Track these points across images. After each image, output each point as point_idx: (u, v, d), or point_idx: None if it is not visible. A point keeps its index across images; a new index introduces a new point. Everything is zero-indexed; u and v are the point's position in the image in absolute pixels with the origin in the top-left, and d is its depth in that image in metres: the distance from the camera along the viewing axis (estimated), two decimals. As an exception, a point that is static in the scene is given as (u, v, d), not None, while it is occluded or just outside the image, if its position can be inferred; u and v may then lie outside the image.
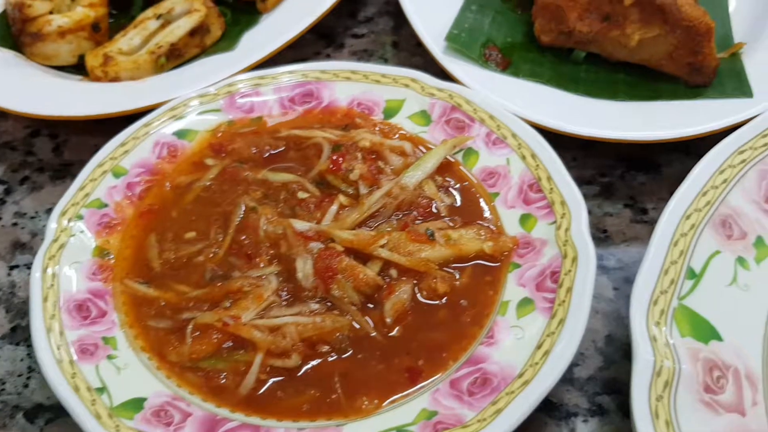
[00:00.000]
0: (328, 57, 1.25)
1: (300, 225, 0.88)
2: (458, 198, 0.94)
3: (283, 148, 1.00)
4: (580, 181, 1.03)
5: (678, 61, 1.04)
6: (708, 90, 1.03)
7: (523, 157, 0.94)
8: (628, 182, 1.03)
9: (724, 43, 1.10)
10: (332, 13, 1.21)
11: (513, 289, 0.84)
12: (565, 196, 0.88)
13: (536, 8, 1.10)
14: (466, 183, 0.95)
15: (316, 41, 1.27)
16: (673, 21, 1.02)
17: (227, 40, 1.21)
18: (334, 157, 0.94)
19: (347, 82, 1.06)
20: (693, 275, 0.81)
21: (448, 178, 0.95)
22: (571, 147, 1.01)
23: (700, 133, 0.96)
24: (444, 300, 0.84)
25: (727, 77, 1.04)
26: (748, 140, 0.91)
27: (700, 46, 1.02)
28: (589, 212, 0.99)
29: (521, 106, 1.00)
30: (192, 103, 1.04)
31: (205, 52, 1.20)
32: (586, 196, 1.01)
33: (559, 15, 1.08)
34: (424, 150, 0.98)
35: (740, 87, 1.02)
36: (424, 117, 1.02)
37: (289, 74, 1.07)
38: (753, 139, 0.91)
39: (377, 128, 1.00)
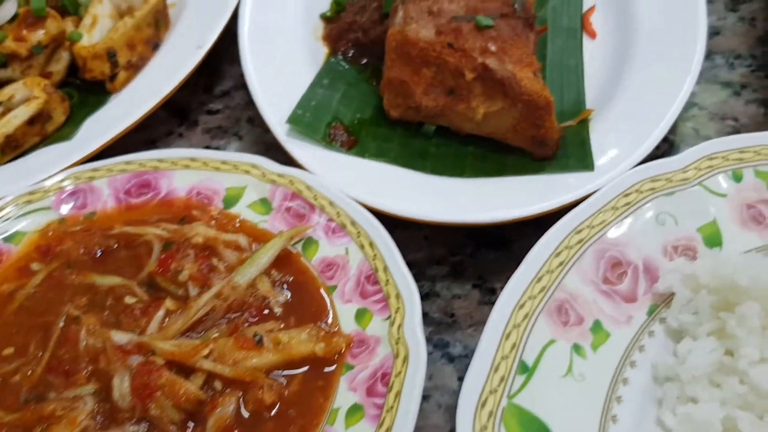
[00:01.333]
0: (180, 136, 1.21)
1: (119, 337, 0.83)
2: (293, 294, 0.90)
3: (114, 247, 0.95)
4: (431, 262, 1.01)
5: (522, 134, 1.03)
6: (552, 163, 1.02)
7: (362, 246, 0.91)
8: (478, 260, 1.01)
9: (577, 108, 1.10)
10: (186, 89, 1.17)
11: (344, 395, 0.80)
12: (401, 288, 0.85)
13: (383, 83, 1.08)
14: (304, 277, 0.91)
15: (169, 119, 1.23)
16: (513, 95, 1.00)
17: (70, 126, 1.15)
18: (163, 257, 0.90)
19: (186, 170, 1.02)
20: (525, 369, 0.79)
21: (285, 274, 0.91)
22: (423, 225, 0.99)
23: (540, 213, 0.94)
24: (272, 412, 0.80)
25: (573, 148, 1.03)
26: (585, 218, 0.89)
27: (541, 119, 1.01)
28: (438, 295, 0.97)
29: (365, 191, 0.97)
30: (19, 201, 0.99)
31: (45, 140, 1.15)
32: (435, 278, 0.99)
33: (406, 90, 1.06)
34: (262, 243, 0.94)
35: (583, 160, 1.01)
36: (265, 205, 0.98)
37: (125, 164, 1.03)
38: (590, 217, 0.90)
39: (214, 221, 0.96)
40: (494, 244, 1.02)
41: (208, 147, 1.19)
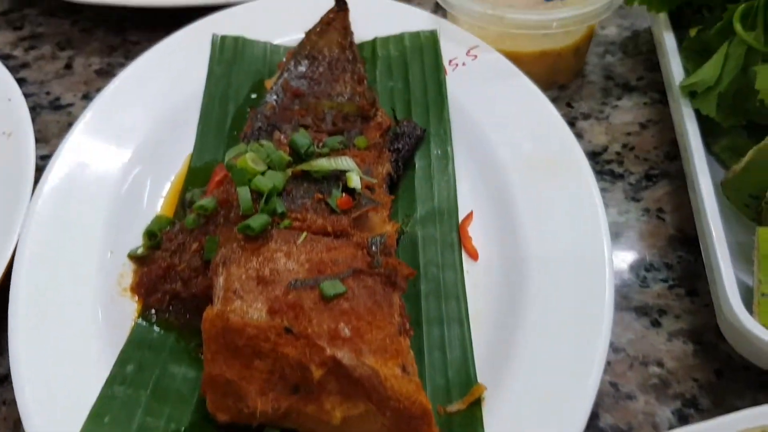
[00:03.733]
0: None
1: None
2: None
3: None
4: None
5: (396, 446, 0.76)
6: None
7: None
8: None
9: (465, 383, 0.84)
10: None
11: None
12: None
13: (204, 380, 0.79)
14: None
15: None
16: (378, 399, 0.74)
17: None
18: None
19: None
20: None
21: None
22: None
23: None
24: None
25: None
26: None
27: (417, 430, 0.74)
28: None
29: None
30: None
31: None
32: None
33: (235, 389, 0.77)
34: None
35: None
36: None
37: None
38: None
39: None
40: None
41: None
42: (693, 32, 1.13)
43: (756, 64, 0.99)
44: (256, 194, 0.89)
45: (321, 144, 1.03)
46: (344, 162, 0.97)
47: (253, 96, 1.20)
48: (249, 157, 0.92)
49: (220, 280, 0.81)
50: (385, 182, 1.02)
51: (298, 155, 0.97)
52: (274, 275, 0.80)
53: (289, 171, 0.94)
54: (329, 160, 0.97)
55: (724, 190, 0.98)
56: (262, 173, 0.92)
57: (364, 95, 1.13)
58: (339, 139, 1.04)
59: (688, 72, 1.12)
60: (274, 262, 0.82)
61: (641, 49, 1.34)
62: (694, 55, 1.14)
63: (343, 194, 0.91)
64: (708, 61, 1.04)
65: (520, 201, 1.00)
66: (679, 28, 1.21)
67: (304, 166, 0.95)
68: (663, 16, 1.19)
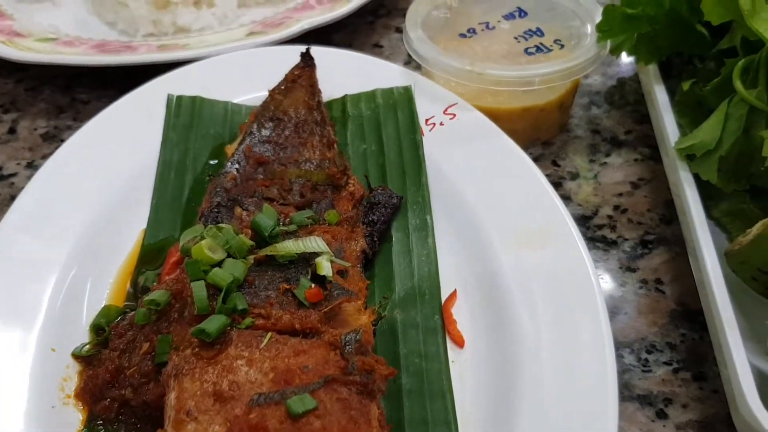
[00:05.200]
0: None
1: None
2: None
3: None
4: None
5: None
6: None
7: None
8: None
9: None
10: None
11: None
12: None
13: None
14: None
15: None
16: None
17: None
18: None
19: None
20: None
21: None
22: None
23: None
24: None
25: None
26: None
27: None
28: None
29: None
30: None
31: None
32: None
33: None
34: None
35: None
36: None
37: None
38: None
39: None
40: None
41: None
42: (686, 86, 1.05)
43: (759, 125, 0.91)
44: (214, 289, 0.79)
45: (287, 220, 0.94)
46: (313, 243, 0.87)
47: (213, 162, 1.10)
48: (205, 245, 0.82)
49: (172, 398, 0.71)
50: (360, 261, 0.92)
51: (262, 237, 0.87)
52: (233, 389, 0.70)
53: (251, 258, 0.84)
54: (297, 242, 0.87)
55: (729, 262, 0.90)
56: (221, 263, 0.82)
57: (334, 161, 1.04)
58: (307, 213, 0.95)
59: (681, 127, 1.04)
60: (234, 372, 0.71)
61: (628, 100, 1.27)
62: (688, 110, 1.06)
63: (312, 285, 0.81)
64: (706, 120, 0.96)
65: (508, 277, 0.91)
66: (669, 78, 1.14)
67: (268, 251, 0.85)
68: (652, 68, 1.11)
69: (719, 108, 0.95)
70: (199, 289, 0.78)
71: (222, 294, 0.77)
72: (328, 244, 0.90)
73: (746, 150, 0.92)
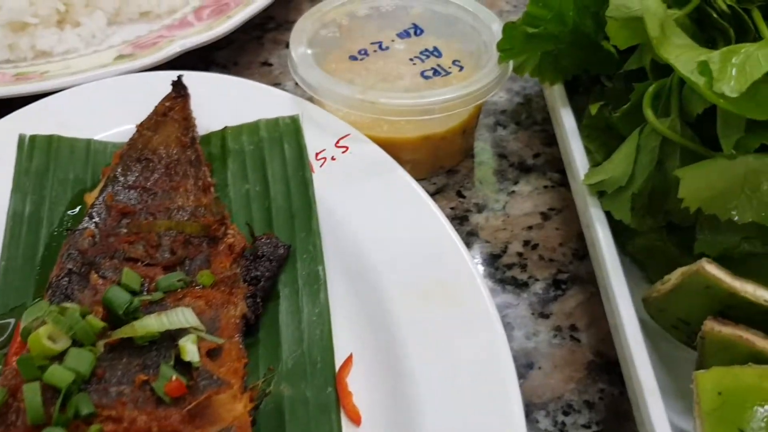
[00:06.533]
0: None
1: None
2: None
3: None
4: None
5: None
6: None
7: None
8: None
9: None
10: None
11: None
12: None
13: None
14: None
15: None
16: None
17: None
18: None
19: None
20: None
21: None
22: None
23: None
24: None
25: None
26: None
27: None
28: None
29: None
30: None
31: None
32: None
33: None
34: None
35: None
36: None
37: None
38: None
39: None
40: None
41: None
42: (594, 109, 0.97)
43: (674, 157, 0.83)
44: (53, 391, 0.66)
45: (153, 285, 0.81)
46: (180, 317, 0.75)
47: (73, 213, 0.96)
48: (44, 333, 0.69)
49: None
50: (240, 329, 0.81)
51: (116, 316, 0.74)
52: None
53: (102, 344, 0.71)
54: (159, 317, 0.74)
55: (647, 308, 0.82)
56: (64, 353, 0.69)
57: (210, 209, 0.92)
58: (177, 276, 0.83)
59: (590, 153, 0.96)
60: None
61: (536, 118, 1.18)
62: (597, 134, 0.98)
63: (174, 377, 0.68)
64: (616, 146, 0.88)
65: (407, 338, 0.81)
66: (576, 93, 1.05)
67: (123, 332, 0.73)
68: (558, 89, 1.02)
69: (630, 138, 0.87)
70: (31, 393, 0.64)
71: (60, 398, 0.64)
72: (200, 314, 0.78)
73: (661, 185, 0.84)
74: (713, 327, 0.72)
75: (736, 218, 0.77)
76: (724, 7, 0.80)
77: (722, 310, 0.74)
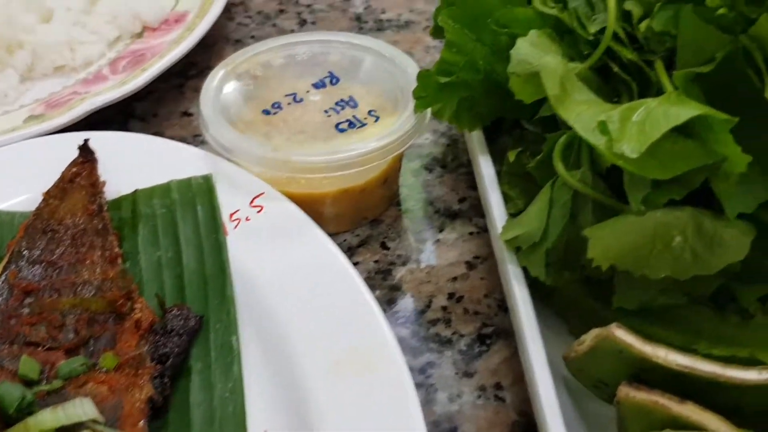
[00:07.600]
0: None
1: None
2: None
3: None
4: None
5: None
6: None
7: None
8: None
9: None
10: None
11: None
12: None
13: None
14: None
15: None
16: None
17: None
18: None
19: None
20: None
21: None
22: None
23: None
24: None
25: None
26: None
27: None
28: None
29: None
30: None
31: None
32: None
33: None
34: None
35: None
36: None
37: None
38: None
39: None
40: None
41: None
42: (512, 156, 0.95)
43: (586, 210, 0.82)
44: None
45: (52, 372, 0.77)
46: (78, 409, 0.72)
47: (-25, 292, 0.91)
48: None
49: None
50: (146, 414, 0.77)
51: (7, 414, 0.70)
52: None
53: (-12, 449, 0.67)
54: (55, 411, 0.71)
55: (568, 366, 0.80)
56: (-56, 464, 0.65)
57: (117, 282, 0.88)
58: (79, 361, 0.79)
59: (512, 199, 0.94)
60: None
61: (461, 160, 1.16)
62: (517, 180, 0.96)
63: (64, 484, 0.65)
64: (531, 203, 0.86)
65: (323, 413, 0.78)
66: (500, 134, 1.04)
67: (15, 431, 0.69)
68: (476, 135, 1.00)
69: (543, 191, 0.85)
70: None
71: None
72: (102, 401, 0.75)
73: (575, 239, 0.82)
74: (628, 393, 0.70)
75: (648, 275, 0.75)
76: (627, 59, 0.78)
77: (637, 373, 0.72)
